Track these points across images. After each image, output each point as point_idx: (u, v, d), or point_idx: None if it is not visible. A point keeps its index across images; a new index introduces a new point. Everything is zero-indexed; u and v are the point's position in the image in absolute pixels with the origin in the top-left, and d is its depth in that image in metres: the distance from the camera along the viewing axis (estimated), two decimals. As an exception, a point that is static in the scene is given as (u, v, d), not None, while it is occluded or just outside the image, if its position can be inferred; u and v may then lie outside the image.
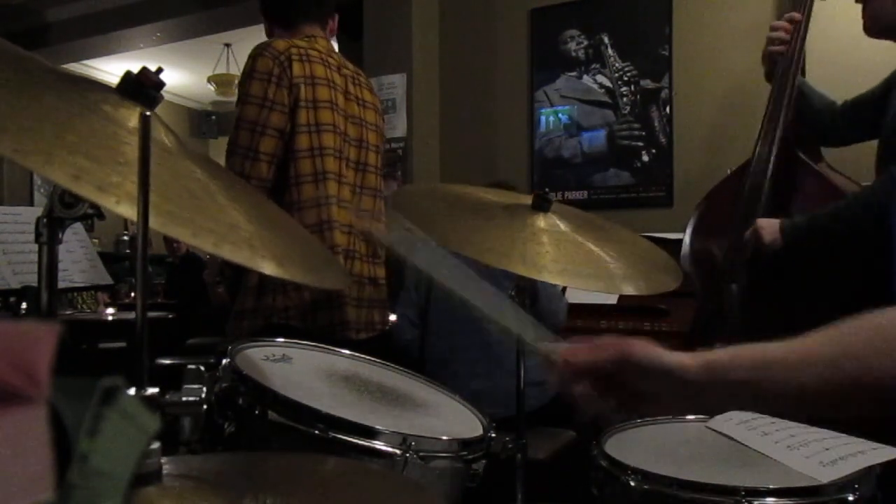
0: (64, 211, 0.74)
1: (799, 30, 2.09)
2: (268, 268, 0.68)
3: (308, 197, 1.71)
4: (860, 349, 0.72)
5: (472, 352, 2.20)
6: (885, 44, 1.90)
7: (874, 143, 1.92)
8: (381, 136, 1.99)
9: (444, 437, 1.08)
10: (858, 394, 0.71)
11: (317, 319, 1.71)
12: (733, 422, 1.26)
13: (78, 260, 2.23)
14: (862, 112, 2.01)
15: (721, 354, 0.75)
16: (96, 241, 4.87)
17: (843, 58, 2.69)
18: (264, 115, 1.68)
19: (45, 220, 0.75)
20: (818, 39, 2.77)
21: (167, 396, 0.61)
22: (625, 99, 3.26)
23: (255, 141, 1.67)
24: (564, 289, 2.41)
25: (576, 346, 0.77)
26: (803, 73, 2.72)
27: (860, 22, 1.91)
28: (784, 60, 2.09)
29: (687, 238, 2.33)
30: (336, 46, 2.20)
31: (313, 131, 1.73)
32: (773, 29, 2.15)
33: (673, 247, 1.58)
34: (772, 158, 2.03)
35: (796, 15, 2.11)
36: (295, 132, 1.71)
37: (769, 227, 1.90)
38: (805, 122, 2.18)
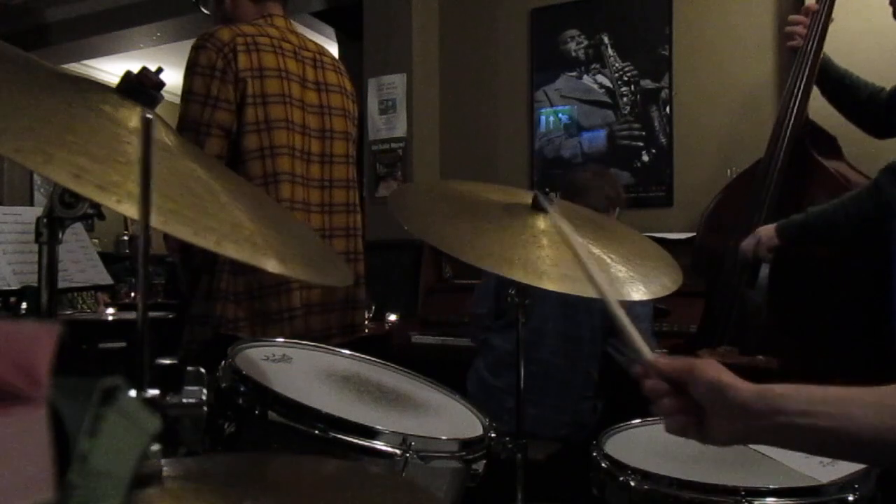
0: (64, 211, 0.74)
1: (817, 23, 1.99)
2: (270, 266, 0.68)
3: None
4: None
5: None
6: None
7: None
8: (350, 122, 1.83)
9: (444, 437, 1.08)
10: None
11: (267, 333, 1.58)
12: (733, 422, 1.25)
13: (78, 260, 2.23)
14: None
15: (778, 385, 0.77)
16: (96, 241, 4.86)
17: (861, 49, 2.62)
18: (208, 114, 1.56)
19: (45, 220, 0.75)
20: (835, 31, 2.74)
21: (168, 398, 0.60)
22: (625, 99, 3.26)
23: (199, 141, 1.54)
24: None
25: (660, 355, 0.84)
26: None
27: (877, 14, 1.84)
28: (798, 57, 2.01)
29: (698, 237, 2.30)
30: (336, 50, 2.10)
31: (262, 129, 1.61)
32: (790, 23, 2.06)
33: (673, 247, 1.58)
34: (780, 158, 1.97)
35: (813, 5, 2.02)
36: (243, 131, 1.60)
37: (766, 231, 1.88)
38: (851, 114, 2.07)
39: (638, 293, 1.16)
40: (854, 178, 2.01)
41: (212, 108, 1.57)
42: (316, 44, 1.83)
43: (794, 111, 1.99)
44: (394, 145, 3.55)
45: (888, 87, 1.95)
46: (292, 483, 0.75)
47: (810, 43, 1.99)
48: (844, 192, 1.87)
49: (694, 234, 2.41)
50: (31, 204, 6.25)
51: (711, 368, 0.79)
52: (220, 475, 0.74)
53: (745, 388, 0.76)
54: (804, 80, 1.99)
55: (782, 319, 1.92)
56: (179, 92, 1.61)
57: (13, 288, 1.98)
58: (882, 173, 1.72)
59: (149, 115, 0.59)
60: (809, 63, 1.98)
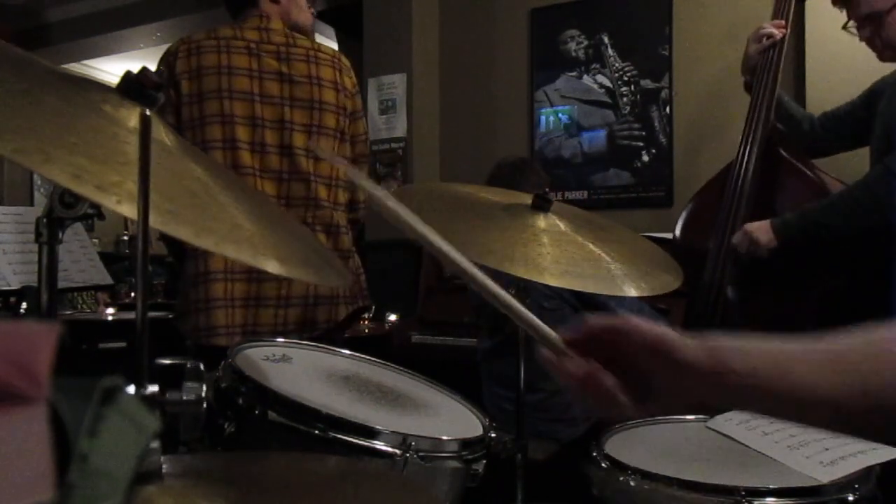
0: (64, 211, 0.74)
1: (780, 46, 2.15)
2: (270, 266, 0.68)
3: None
4: (883, 361, 0.66)
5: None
6: None
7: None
8: (321, 113, 1.79)
9: (444, 437, 1.08)
10: (872, 410, 0.65)
11: (185, 323, 1.67)
12: (733, 422, 1.26)
13: (78, 260, 2.23)
14: (841, 124, 2.08)
15: (729, 340, 0.70)
16: (96, 241, 4.85)
17: (842, 61, 2.67)
18: None
19: (45, 220, 0.75)
20: (816, 43, 2.77)
21: (167, 395, 0.61)
22: (625, 99, 3.26)
23: None
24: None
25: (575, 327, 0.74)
26: (802, 77, 2.74)
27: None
28: (763, 62, 2.15)
29: (679, 236, 2.34)
30: (337, 46, 2.10)
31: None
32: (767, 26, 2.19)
33: (673, 247, 1.59)
34: (753, 158, 2.07)
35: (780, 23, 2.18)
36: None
37: (761, 228, 1.90)
38: (788, 131, 2.23)
39: (639, 290, 1.17)
40: (818, 174, 2.09)
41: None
42: (288, 37, 1.79)
43: (763, 110, 2.11)
44: (394, 145, 3.55)
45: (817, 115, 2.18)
46: (292, 483, 0.75)
47: (775, 49, 2.14)
48: (815, 186, 1.98)
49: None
50: (31, 204, 6.25)
51: (650, 324, 0.70)
52: (220, 475, 0.74)
53: (693, 344, 0.69)
54: (770, 85, 2.13)
55: (767, 316, 1.95)
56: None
57: (13, 288, 1.98)
58: (877, 173, 1.77)
59: (148, 115, 0.59)
60: (773, 68, 2.15)
